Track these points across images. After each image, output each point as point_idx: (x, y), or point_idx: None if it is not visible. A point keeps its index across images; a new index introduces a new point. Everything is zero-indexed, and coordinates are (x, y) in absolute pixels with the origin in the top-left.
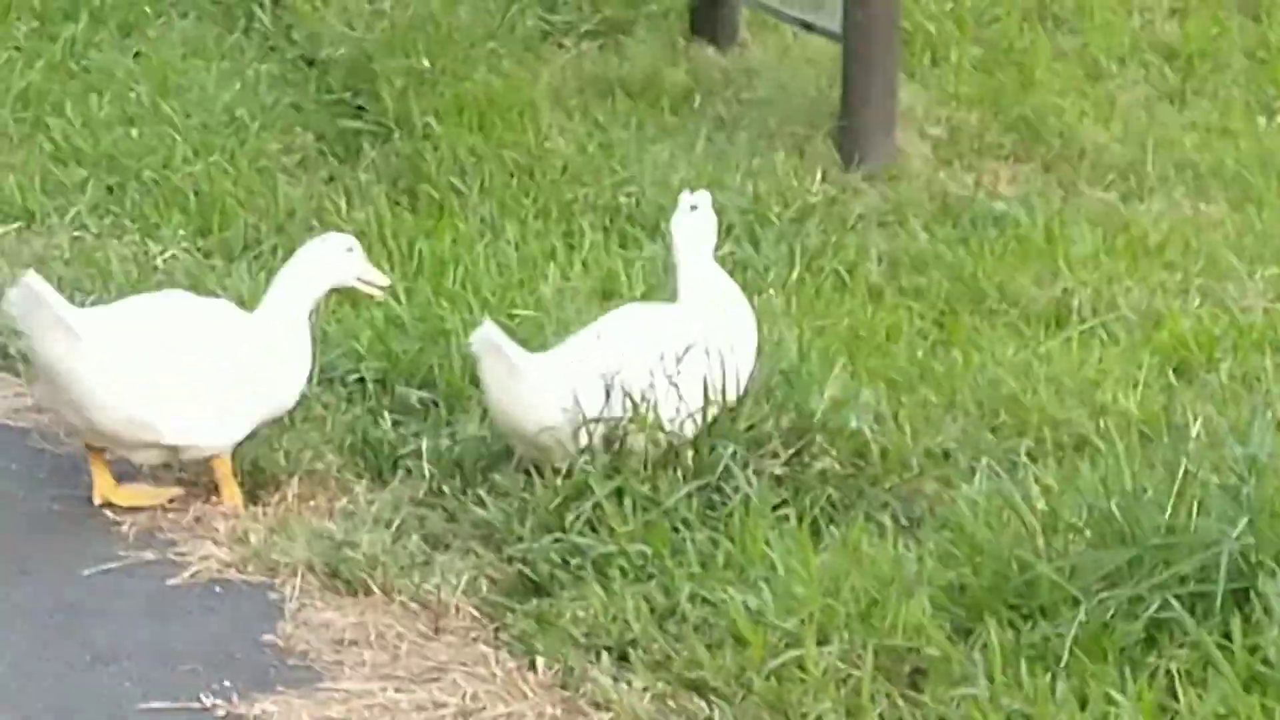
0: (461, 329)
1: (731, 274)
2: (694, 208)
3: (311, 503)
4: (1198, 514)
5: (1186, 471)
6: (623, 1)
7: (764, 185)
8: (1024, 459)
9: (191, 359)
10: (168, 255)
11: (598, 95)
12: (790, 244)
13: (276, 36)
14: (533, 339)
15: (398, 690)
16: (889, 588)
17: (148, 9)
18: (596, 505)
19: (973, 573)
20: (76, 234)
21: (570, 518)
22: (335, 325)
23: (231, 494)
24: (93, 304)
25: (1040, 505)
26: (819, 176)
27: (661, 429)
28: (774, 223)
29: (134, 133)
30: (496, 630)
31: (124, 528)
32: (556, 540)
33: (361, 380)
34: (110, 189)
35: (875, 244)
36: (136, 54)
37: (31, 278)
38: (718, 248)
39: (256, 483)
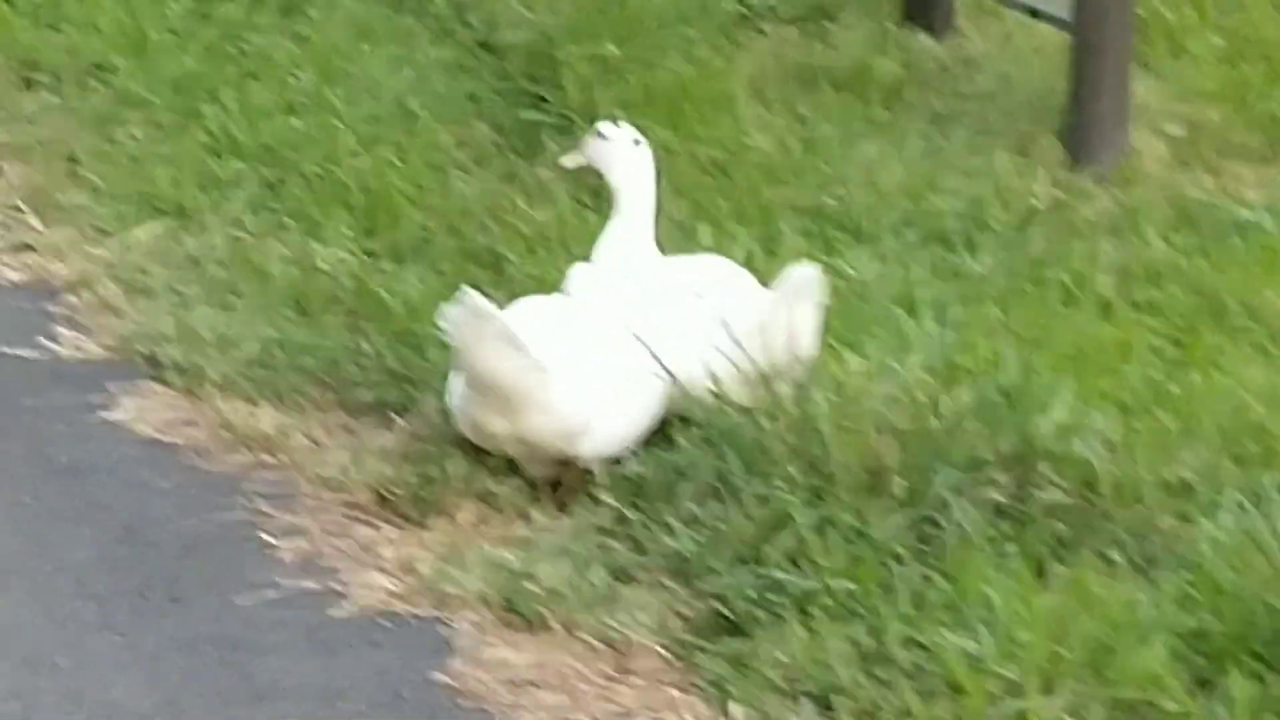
0: None
1: (945, 284)
2: (637, 143)
3: (485, 529)
4: None
5: None
6: None
7: (983, 187)
8: (1273, 493)
9: (615, 359)
10: (332, 256)
11: (800, 86)
12: (1011, 252)
13: (450, 19)
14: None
15: None
16: (1121, 633)
17: None
18: (799, 536)
19: (1215, 618)
20: (233, 232)
21: (769, 550)
22: None
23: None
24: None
25: None
26: (1044, 178)
27: None
28: (994, 228)
29: (295, 123)
30: (687, 671)
31: (282, 553)
32: (754, 575)
33: None
34: (269, 184)
35: (1105, 253)
36: (298, 36)
37: (471, 296)
38: None
39: (423, 508)
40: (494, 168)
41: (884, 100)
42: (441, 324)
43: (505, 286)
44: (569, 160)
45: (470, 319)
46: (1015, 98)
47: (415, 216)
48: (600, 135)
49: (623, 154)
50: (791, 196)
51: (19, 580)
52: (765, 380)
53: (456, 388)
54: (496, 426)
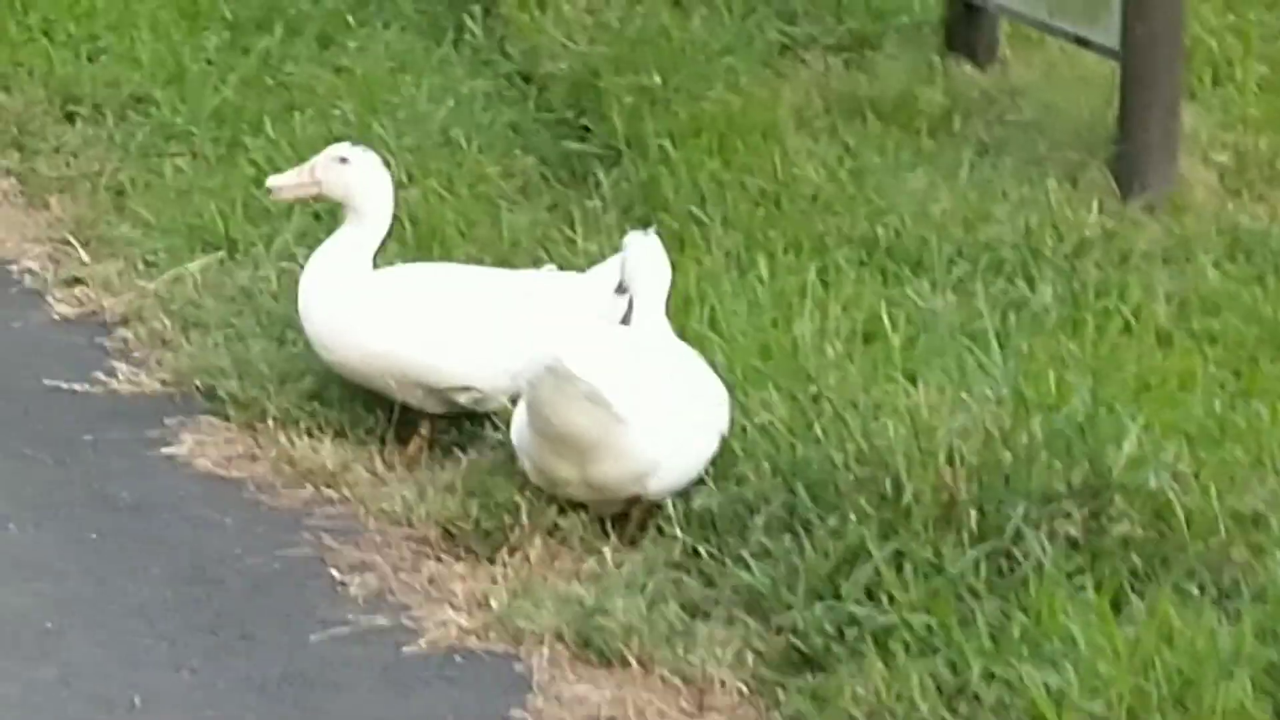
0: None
1: (1005, 314)
2: (387, 165)
3: (555, 565)
4: None
5: None
6: (869, 14)
7: (1035, 217)
8: None
9: (681, 396)
10: None
11: (845, 116)
12: (1067, 282)
13: (489, 50)
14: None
15: None
16: (1204, 667)
17: (349, 18)
18: (874, 570)
19: None
20: (283, 264)
21: (845, 584)
22: None
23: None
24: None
25: None
26: (1095, 207)
27: None
28: (1048, 258)
29: None
30: (767, 708)
31: (352, 589)
32: (830, 609)
33: None
34: (318, 215)
35: (1160, 282)
36: (338, 68)
37: (556, 362)
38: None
39: (490, 543)
40: (541, 198)
41: (930, 130)
42: (522, 385)
43: None
44: (289, 188)
45: (554, 380)
46: (1062, 127)
47: (466, 248)
48: (343, 160)
49: (373, 177)
50: (844, 227)
51: (88, 620)
52: None
53: (523, 433)
54: (566, 473)
